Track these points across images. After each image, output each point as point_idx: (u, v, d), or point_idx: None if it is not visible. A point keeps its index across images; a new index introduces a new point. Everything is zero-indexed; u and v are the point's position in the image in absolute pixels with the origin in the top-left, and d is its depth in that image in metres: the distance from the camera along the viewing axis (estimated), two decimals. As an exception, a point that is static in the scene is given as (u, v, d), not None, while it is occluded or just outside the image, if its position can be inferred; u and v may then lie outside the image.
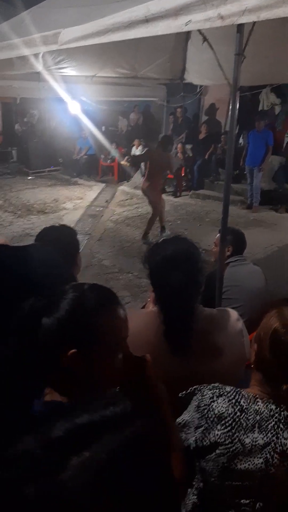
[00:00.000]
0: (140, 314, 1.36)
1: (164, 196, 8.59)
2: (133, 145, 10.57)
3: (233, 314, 1.33)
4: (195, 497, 1.18)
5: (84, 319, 0.88)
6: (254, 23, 1.84)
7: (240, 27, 1.88)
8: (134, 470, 0.47)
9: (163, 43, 5.02)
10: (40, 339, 0.85)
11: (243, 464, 1.00)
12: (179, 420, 1.12)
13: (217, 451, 1.03)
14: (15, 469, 0.45)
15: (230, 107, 1.98)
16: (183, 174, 9.39)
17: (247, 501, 1.04)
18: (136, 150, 10.44)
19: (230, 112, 1.92)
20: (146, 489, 0.47)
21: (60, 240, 1.79)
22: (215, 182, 9.06)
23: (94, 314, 0.89)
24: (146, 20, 1.98)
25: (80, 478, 0.44)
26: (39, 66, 4.94)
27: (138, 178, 10.16)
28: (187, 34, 4.98)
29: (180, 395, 1.13)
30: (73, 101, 6.79)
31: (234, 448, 1.01)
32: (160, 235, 6.35)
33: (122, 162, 10.45)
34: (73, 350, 0.85)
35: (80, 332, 0.87)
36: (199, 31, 2.44)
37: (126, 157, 10.58)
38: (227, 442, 1.02)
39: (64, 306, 0.88)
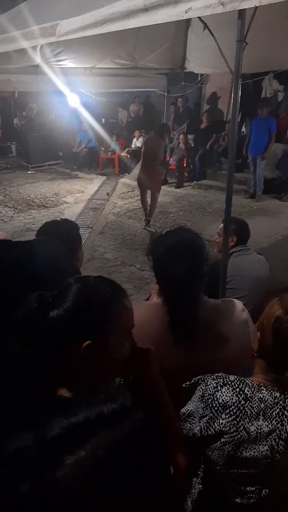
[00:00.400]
0: (144, 306, 1.36)
1: (166, 187, 8.61)
2: (134, 137, 10.51)
3: (238, 304, 1.33)
4: (201, 485, 1.19)
5: (97, 310, 0.89)
6: (256, 8, 1.81)
7: (241, 12, 1.85)
8: (132, 465, 0.47)
9: (163, 31, 4.97)
10: (47, 333, 0.85)
11: (249, 451, 1.01)
12: (183, 410, 1.13)
13: (222, 440, 1.04)
14: (11, 466, 0.46)
15: (232, 95, 1.96)
16: (185, 165, 9.34)
17: (253, 488, 1.05)
18: (137, 142, 10.38)
19: (232, 100, 1.90)
20: (144, 485, 0.47)
21: (62, 235, 1.79)
22: (218, 172, 9.01)
23: (103, 304, 0.90)
24: (145, 9, 1.95)
25: (76, 476, 0.44)
26: (37, 59, 4.91)
27: (138, 170, 10.12)
28: (187, 21, 4.92)
29: (184, 385, 1.13)
30: (72, 94, 6.75)
31: (239, 436, 1.01)
32: (144, 227, 6.38)
33: (122, 154, 10.41)
34: (88, 342, 0.86)
35: (94, 323, 0.88)
36: (200, 18, 2.40)
37: (126, 149, 10.53)
38: (232, 430, 1.02)
39: (72, 298, 0.89)
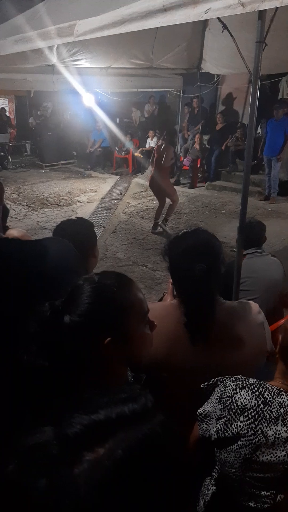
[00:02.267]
0: (159, 306, 1.36)
1: (179, 187, 8.58)
2: (148, 137, 10.51)
3: (254, 306, 1.32)
4: (214, 487, 1.18)
5: (109, 306, 0.90)
6: (276, 9, 1.79)
7: (261, 13, 1.84)
8: (149, 468, 0.47)
9: (180, 31, 4.97)
10: (64, 339, 0.85)
11: (266, 456, 1.00)
12: (200, 410, 1.12)
13: (239, 443, 1.03)
14: (29, 460, 0.46)
15: (250, 96, 1.95)
16: (198, 165, 9.31)
17: (268, 493, 1.04)
18: (151, 142, 10.38)
19: (250, 102, 1.89)
20: (160, 486, 0.47)
21: (78, 233, 1.80)
22: (232, 173, 8.95)
23: (116, 298, 0.91)
24: (164, 9, 1.95)
25: (94, 474, 0.44)
26: (53, 59, 4.95)
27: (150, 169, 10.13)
28: (205, 22, 4.92)
29: (202, 385, 1.13)
30: (87, 93, 6.78)
31: (256, 440, 1.00)
32: (152, 231, 6.39)
33: (136, 154, 10.42)
34: (108, 339, 0.87)
35: (109, 319, 0.89)
36: (219, 18, 2.39)
37: (140, 149, 10.53)
38: (249, 433, 1.01)
39: (85, 300, 0.89)
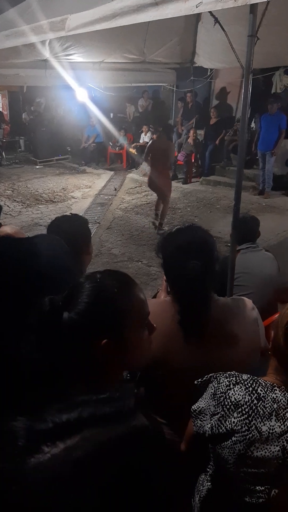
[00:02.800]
0: (153, 304, 1.35)
1: (174, 183, 8.55)
2: (142, 132, 10.47)
3: (248, 303, 1.32)
4: (209, 483, 1.19)
5: (108, 307, 0.88)
6: (267, 3, 1.78)
7: (253, 7, 1.83)
8: (113, 469, 0.46)
9: (173, 25, 4.93)
10: (62, 335, 0.85)
11: (260, 451, 1.00)
12: (194, 407, 1.13)
13: (233, 439, 1.03)
14: None
15: (243, 90, 1.94)
16: (193, 160, 9.29)
17: (262, 488, 1.05)
18: (145, 137, 10.34)
19: (242, 96, 1.88)
20: (125, 489, 0.46)
21: (72, 230, 1.79)
22: (226, 168, 8.95)
23: (116, 299, 0.89)
24: (156, 3, 1.93)
25: (49, 467, 0.44)
26: (46, 53, 4.90)
27: (146, 165, 10.08)
28: (198, 15, 4.87)
29: (196, 382, 1.13)
30: (81, 88, 6.73)
31: (250, 435, 1.01)
32: (157, 233, 6.29)
33: (130, 149, 10.38)
34: (104, 341, 0.85)
35: (106, 321, 0.88)
36: (210, 12, 2.38)
37: (134, 144, 10.49)
38: (243, 429, 1.02)
39: (84, 299, 0.88)
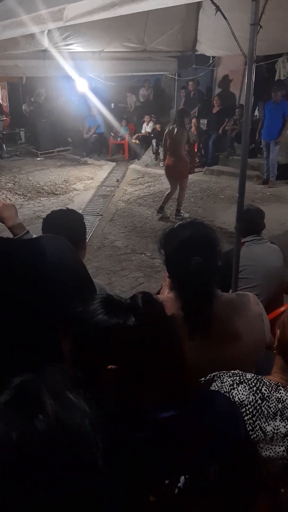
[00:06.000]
0: (156, 300, 1.34)
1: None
2: (144, 122, 10.36)
3: (253, 298, 1.30)
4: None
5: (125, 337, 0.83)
6: (270, -12, 1.72)
7: (255, -6, 1.77)
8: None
9: (174, 13, 4.83)
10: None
11: (264, 452, 0.99)
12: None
13: (238, 438, 1.02)
14: None
15: (246, 79, 1.89)
16: (196, 150, 9.20)
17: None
18: (147, 127, 10.24)
19: (246, 85, 1.83)
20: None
21: (69, 225, 1.77)
22: (230, 157, 8.85)
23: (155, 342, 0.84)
24: (156, -10, 1.88)
25: None
26: (45, 44, 4.83)
27: (149, 156, 10.00)
28: (199, 3, 4.78)
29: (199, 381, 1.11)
30: (81, 79, 6.65)
31: (255, 436, 0.99)
32: (175, 218, 6.29)
33: (132, 140, 10.29)
34: (111, 366, 0.81)
35: (120, 348, 0.83)
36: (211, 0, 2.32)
37: (136, 135, 10.39)
38: (248, 429, 1.00)
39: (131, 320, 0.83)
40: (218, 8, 2.27)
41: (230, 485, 0.86)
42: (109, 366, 0.81)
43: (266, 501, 0.98)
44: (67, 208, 2.03)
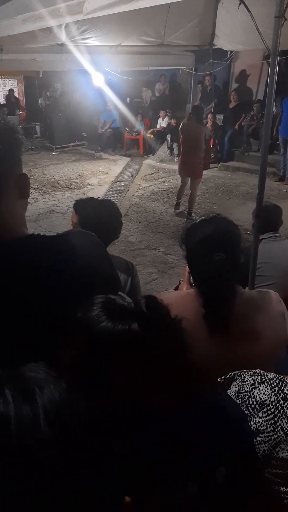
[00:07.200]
0: (176, 296, 1.33)
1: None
2: (159, 117, 10.31)
3: (275, 296, 1.28)
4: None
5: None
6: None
7: (280, -15, 1.73)
8: None
9: (192, 7, 4.79)
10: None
11: (286, 452, 0.97)
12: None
13: (258, 439, 1.00)
14: None
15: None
16: (211, 146, 9.12)
17: (287, 489, 1.02)
18: (162, 122, 10.19)
19: (268, 79, 1.80)
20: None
21: (105, 219, 1.75)
22: (246, 153, 8.75)
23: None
24: (177, -18, 1.86)
25: None
26: (62, 38, 4.82)
27: (163, 151, 9.95)
28: (218, -4, 4.72)
29: (219, 379, 1.10)
30: (97, 73, 6.64)
31: (276, 436, 0.97)
32: (186, 220, 6.24)
33: (147, 135, 10.24)
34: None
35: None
36: (234, -8, 2.28)
37: (151, 130, 10.35)
38: (269, 430, 0.98)
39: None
40: (241, 1, 2.22)
41: (233, 486, 0.86)
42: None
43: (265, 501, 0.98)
44: (99, 198, 2.01)
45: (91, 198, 1.98)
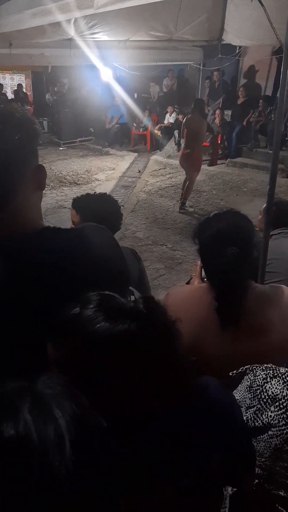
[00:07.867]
0: (188, 290, 1.33)
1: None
2: (167, 112, 10.27)
3: (287, 291, 1.27)
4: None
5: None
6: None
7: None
8: None
9: (201, 2, 4.76)
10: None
11: (298, 446, 0.97)
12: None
13: (270, 433, 1.01)
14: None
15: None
16: (219, 142, 9.07)
17: (299, 482, 1.02)
18: (170, 118, 10.14)
19: (281, 75, 1.79)
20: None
21: (106, 214, 1.75)
22: (254, 150, 8.70)
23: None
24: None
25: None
26: (71, 32, 4.82)
27: (171, 147, 9.92)
28: (228, -10, 4.69)
29: (231, 374, 1.10)
30: (105, 68, 6.62)
31: (288, 430, 0.98)
32: (178, 211, 6.30)
33: (155, 130, 10.21)
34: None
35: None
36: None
37: (159, 125, 10.31)
38: (281, 424, 0.99)
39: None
40: (254, -5, 2.20)
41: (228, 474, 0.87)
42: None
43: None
44: (100, 193, 2.01)
45: (88, 194, 1.98)
